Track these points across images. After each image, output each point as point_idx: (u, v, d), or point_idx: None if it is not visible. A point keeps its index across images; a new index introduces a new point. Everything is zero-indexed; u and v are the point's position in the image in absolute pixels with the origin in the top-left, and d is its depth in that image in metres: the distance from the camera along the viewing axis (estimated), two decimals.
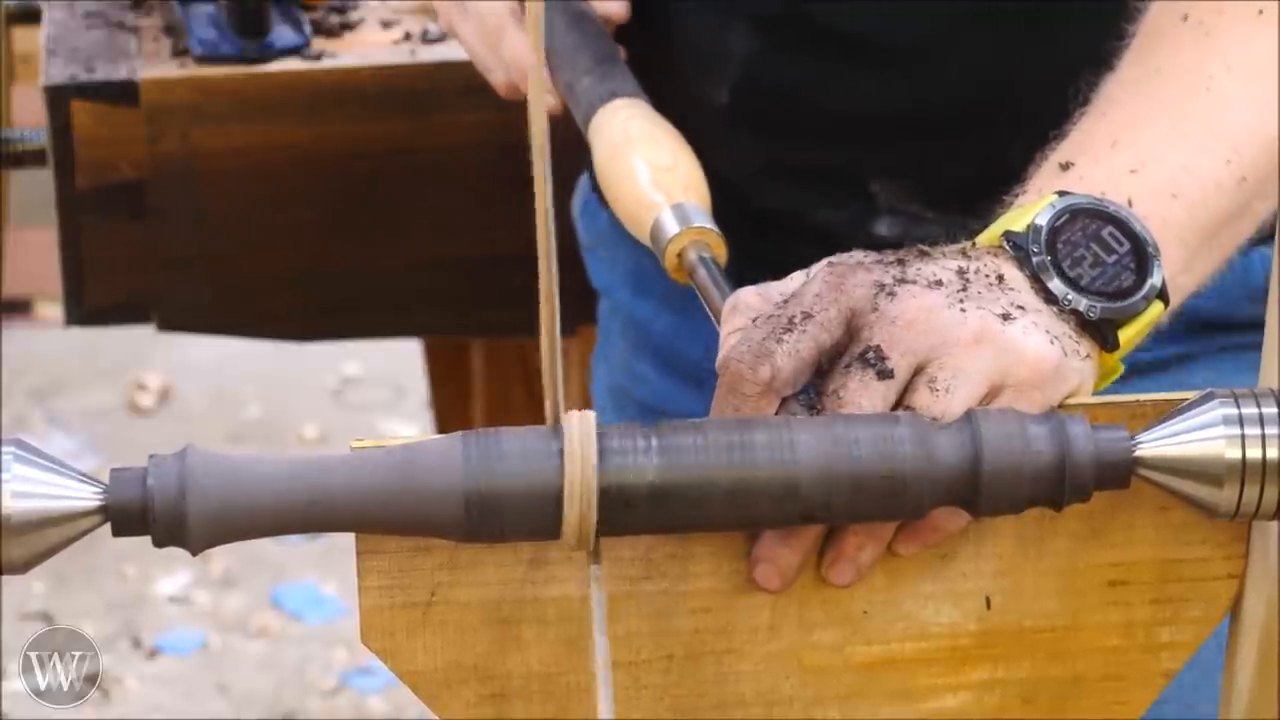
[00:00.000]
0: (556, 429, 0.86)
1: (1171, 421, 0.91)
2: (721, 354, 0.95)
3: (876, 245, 1.03)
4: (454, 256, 1.90)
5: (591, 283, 1.54)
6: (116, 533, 0.84)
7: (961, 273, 0.96)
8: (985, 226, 1.01)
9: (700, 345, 1.42)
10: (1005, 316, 0.94)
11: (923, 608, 0.96)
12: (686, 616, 0.94)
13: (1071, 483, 0.89)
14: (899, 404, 0.93)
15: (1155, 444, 0.90)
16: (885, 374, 0.92)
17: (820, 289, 0.94)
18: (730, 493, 0.87)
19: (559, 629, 0.93)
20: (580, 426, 0.85)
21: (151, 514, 0.83)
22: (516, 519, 0.85)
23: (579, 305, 1.57)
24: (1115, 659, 0.98)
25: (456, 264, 1.91)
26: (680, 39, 1.30)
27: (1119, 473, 0.90)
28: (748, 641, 0.95)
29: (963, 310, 0.94)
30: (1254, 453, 0.89)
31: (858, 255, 0.97)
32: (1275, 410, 0.89)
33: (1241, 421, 0.90)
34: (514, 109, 1.36)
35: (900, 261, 0.97)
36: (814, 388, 0.94)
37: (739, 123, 1.27)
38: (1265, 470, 0.89)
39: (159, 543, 0.84)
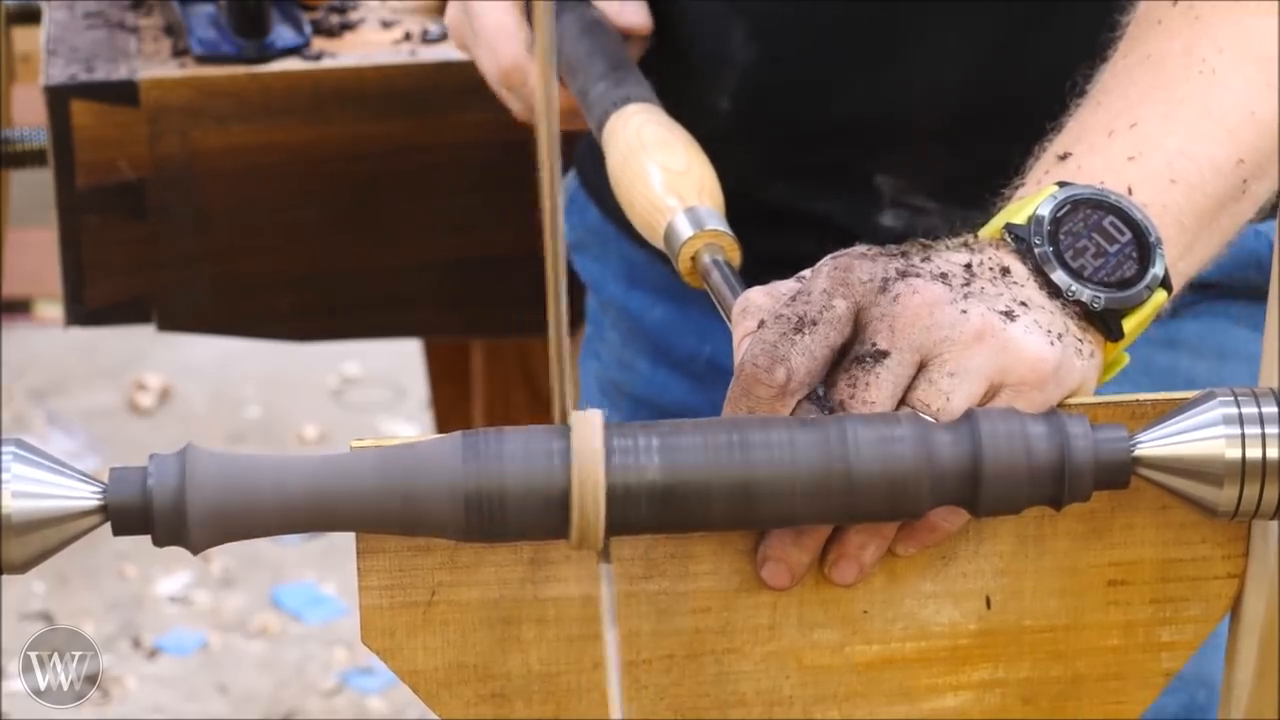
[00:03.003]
0: (564, 428, 0.85)
1: (1171, 421, 0.91)
2: (736, 357, 0.95)
3: (881, 237, 1.02)
4: (454, 256, 1.90)
5: (580, 279, 1.54)
6: (117, 532, 0.84)
7: (967, 267, 0.96)
8: (990, 217, 1.01)
9: (693, 336, 1.42)
10: (1008, 314, 0.94)
11: (923, 607, 0.96)
12: (687, 616, 0.94)
13: (1071, 483, 0.89)
14: (903, 400, 0.93)
15: (1155, 443, 0.90)
16: (889, 371, 0.92)
17: (826, 285, 0.94)
18: (731, 493, 0.87)
19: (559, 628, 0.93)
20: (589, 426, 0.85)
21: (152, 513, 0.83)
22: (520, 519, 0.85)
23: (580, 304, 1.58)
24: (1115, 659, 0.98)
25: (456, 264, 1.91)
26: (681, 48, 1.30)
27: (1119, 473, 0.90)
28: (748, 641, 0.95)
29: (964, 309, 0.94)
30: (1254, 452, 0.89)
31: (860, 249, 0.97)
32: (1275, 409, 0.89)
33: (1241, 421, 0.89)
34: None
35: (903, 254, 0.97)
36: (823, 386, 0.94)
37: (741, 128, 1.27)
38: (1265, 470, 0.89)
39: (159, 542, 0.84)
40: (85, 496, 0.83)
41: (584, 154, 1.52)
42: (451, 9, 1.39)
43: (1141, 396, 0.96)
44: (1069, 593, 0.97)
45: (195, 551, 0.84)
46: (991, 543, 0.96)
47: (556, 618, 0.93)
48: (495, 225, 1.83)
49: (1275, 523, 0.93)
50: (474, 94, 1.47)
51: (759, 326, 0.95)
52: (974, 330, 0.93)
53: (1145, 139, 1.03)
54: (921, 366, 0.93)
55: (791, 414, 0.93)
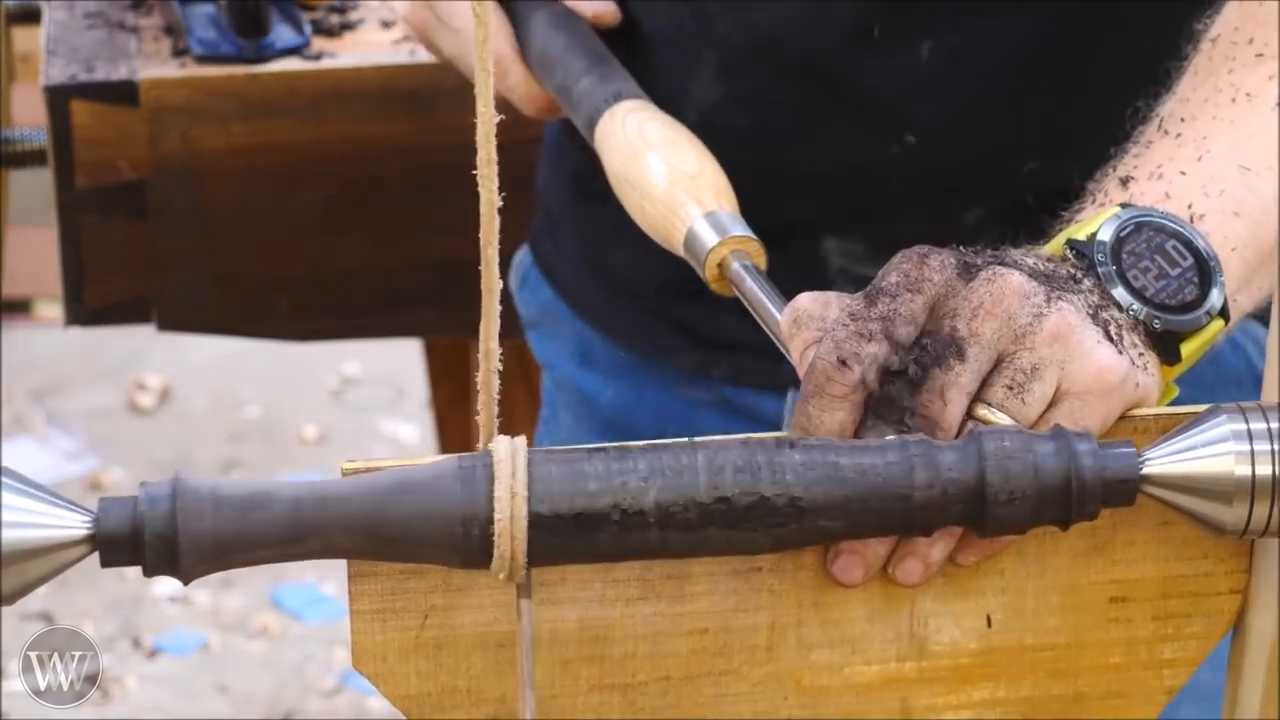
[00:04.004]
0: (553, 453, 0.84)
1: (1178, 438, 0.90)
2: (800, 370, 0.94)
3: None
4: (454, 256, 1.90)
5: (536, 359, 1.51)
6: (105, 563, 0.82)
7: (1044, 271, 0.95)
8: None
9: (649, 417, 1.40)
10: (1084, 319, 0.94)
11: (923, 626, 0.95)
12: (683, 637, 0.93)
13: (1079, 502, 0.88)
14: (978, 397, 0.92)
15: (1162, 461, 0.89)
16: (968, 364, 0.92)
17: (899, 279, 0.93)
18: (732, 515, 0.86)
19: (552, 651, 0.92)
20: (510, 453, 0.83)
21: (142, 543, 0.82)
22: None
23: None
24: (1117, 676, 0.97)
25: (456, 264, 1.89)
26: (644, 77, 1.28)
27: (1126, 491, 0.89)
28: (745, 662, 0.94)
29: (1045, 303, 0.93)
30: (1264, 469, 0.88)
31: (927, 247, 0.96)
32: None
33: (1250, 437, 0.88)
34: (511, 110, 1.34)
35: (977, 251, 0.96)
36: (896, 397, 0.93)
37: None
38: (1275, 487, 0.88)
39: (149, 572, 0.82)
40: (73, 526, 0.82)
41: (539, 231, 1.49)
42: (410, 5, 1.36)
43: (1144, 411, 0.95)
44: (1070, 610, 0.96)
45: (186, 582, 0.83)
46: (992, 560, 0.95)
47: (551, 640, 0.92)
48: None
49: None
50: (473, 94, 1.46)
51: (818, 333, 0.94)
52: (1052, 327, 0.93)
53: (1210, 171, 1.03)
54: (998, 362, 0.93)
55: (858, 429, 0.92)
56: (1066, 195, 1.07)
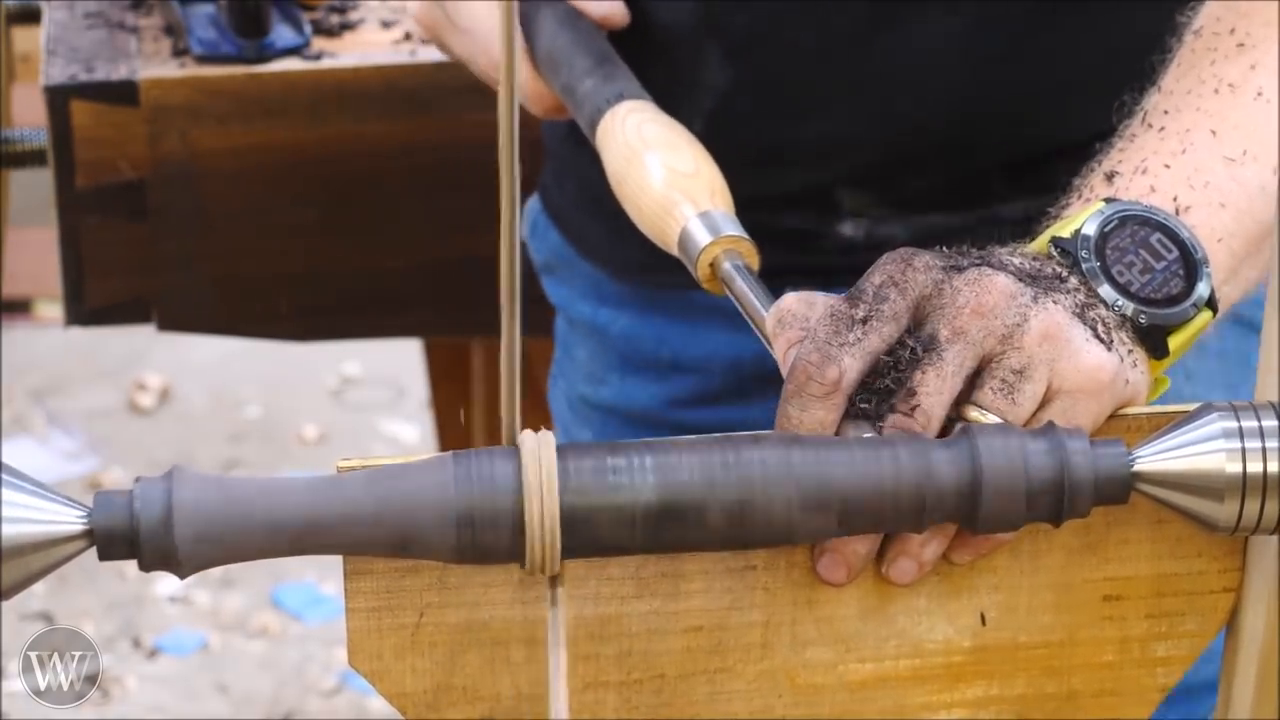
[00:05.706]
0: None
1: (1169, 435, 0.90)
2: (783, 369, 0.94)
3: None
4: (454, 256, 1.90)
5: (550, 301, 1.54)
6: (103, 557, 0.82)
7: (1029, 271, 0.96)
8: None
9: (653, 341, 1.43)
10: (1072, 318, 0.94)
11: (916, 624, 0.95)
12: (678, 635, 0.93)
13: (1071, 500, 0.88)
14: (966, 398, 0.92)
15: (1154, 459, 0.89)
16: (949, 362, 0.92)
17: (882, 280, 0.94)
18: (728, 511, 0.86)
19: (548, 649, 0.92)
20: (538, 448, 0.84)
21: (138, 538, 0.82)
22: (513, 541, 0.84)
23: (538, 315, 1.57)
24: (1110, 674, 0.97)
25: (456, 264, 1.91)
26: (652, 68, 1.29)
27: (1118, 489, 0.89)
28: (740, 660, 0.94)
29: (1031, 303, 0.93)
30: (1254, 466, 0.88)
31: (913, 249, 0.96)
32: (1275, 423, 0.89)
33: (1242, 435, 0.89)
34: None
35: (961, 252, 0.97)
36: (878, 396, 0.93)
37: (712, 150, 1.25)
38: (1266, 484, 0.88)
39: (145, 567, 0.82)
40: (69, 521, 0.82)
41: (547, 179, 1.52)
42: (422, 5, 1.37)
43: (1136, 410, 0.95)
44: (1064, 608, 0.96)
45: (183, 576, 0.83)
46: (985, 559, 0.95)
47: (547, 638, 0.92)
48: (495, 225, 1.82)
49: (1273, 537, 0.92)
50: (474, 94, 1.47)
51: (801, 332, 0.94)
52: (1041, 327, 0.93)
53: (1195, 163, 1.03)
54: (984, 362, 0.93)
55: (838, 429, 0.92)
56: (1075, 147, 1.07)
